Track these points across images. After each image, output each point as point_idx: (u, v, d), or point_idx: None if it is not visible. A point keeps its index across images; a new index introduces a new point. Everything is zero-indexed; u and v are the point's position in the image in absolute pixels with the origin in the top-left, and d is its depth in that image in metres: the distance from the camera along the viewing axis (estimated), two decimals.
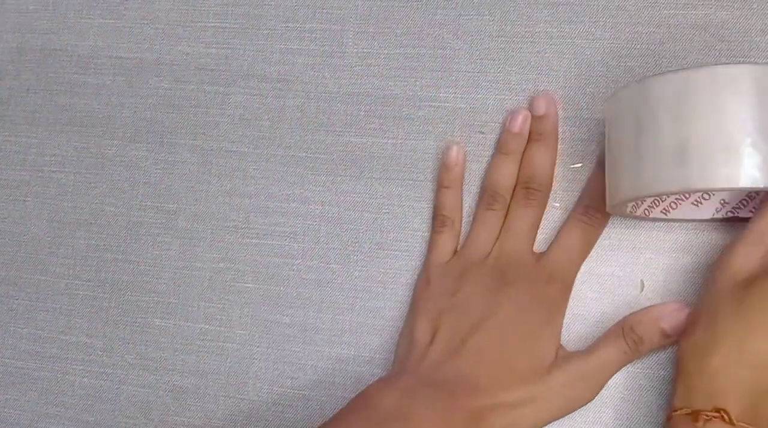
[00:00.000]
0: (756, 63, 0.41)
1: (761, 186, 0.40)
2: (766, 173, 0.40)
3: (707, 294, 0.44)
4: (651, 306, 0.49)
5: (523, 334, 0.49)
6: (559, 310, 0.51)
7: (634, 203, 0.50)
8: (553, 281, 0.51)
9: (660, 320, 0.47)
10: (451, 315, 0.51)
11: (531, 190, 0.53)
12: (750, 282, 0.42)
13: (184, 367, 0.59)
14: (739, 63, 0.42)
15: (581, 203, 0.52)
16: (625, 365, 0.49)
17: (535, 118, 0.54)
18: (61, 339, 0.61)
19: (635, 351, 0.48)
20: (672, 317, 0.47)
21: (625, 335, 0.48)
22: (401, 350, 0.53)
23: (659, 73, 0.43)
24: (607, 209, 0.48)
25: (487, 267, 0.52)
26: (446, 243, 0.54)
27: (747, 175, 0.40)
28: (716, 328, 0.42)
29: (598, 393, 0.49)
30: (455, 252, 0.54)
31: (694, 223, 0.53)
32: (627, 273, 0.53)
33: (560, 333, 0.50)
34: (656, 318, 0.48)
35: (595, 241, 0.52)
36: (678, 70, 0.43)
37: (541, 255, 0.52)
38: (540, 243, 0.55)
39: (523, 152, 0.54)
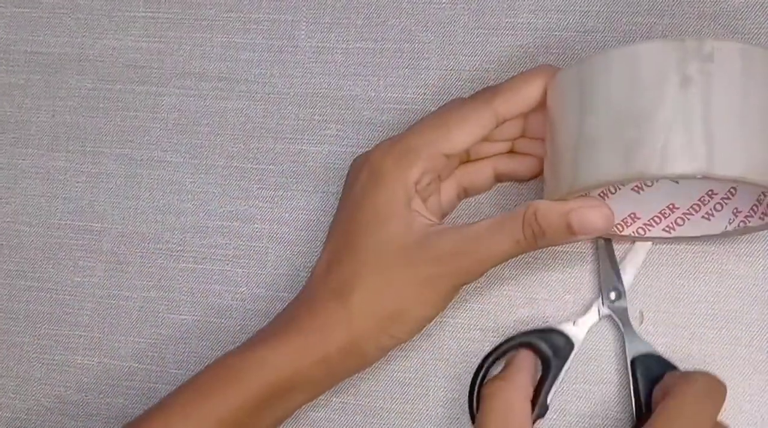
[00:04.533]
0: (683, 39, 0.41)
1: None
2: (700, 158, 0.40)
3: None
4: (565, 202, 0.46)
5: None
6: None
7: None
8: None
9: (570, 212, 0.44)
10: None
11: None
12: None
13: (109, 412, 0.57)
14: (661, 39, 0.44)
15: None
16: (514, 256, 0.47)
17: None
18: None
19: (530, 243, 0.46)
20: (583, 213, 0.44)
21: (526, 223, 0.45)
22: None
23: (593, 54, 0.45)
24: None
25: None
26: None
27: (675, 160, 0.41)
28: None
29: (472, 280, 0.49)
30: None
31: (699, 247, 0.53)
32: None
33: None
34: (566, 210, 0.44)
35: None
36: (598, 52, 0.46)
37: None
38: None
39: None
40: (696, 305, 0.52)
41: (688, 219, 0.50)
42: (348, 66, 0.58)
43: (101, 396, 0.57)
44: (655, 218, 0.51)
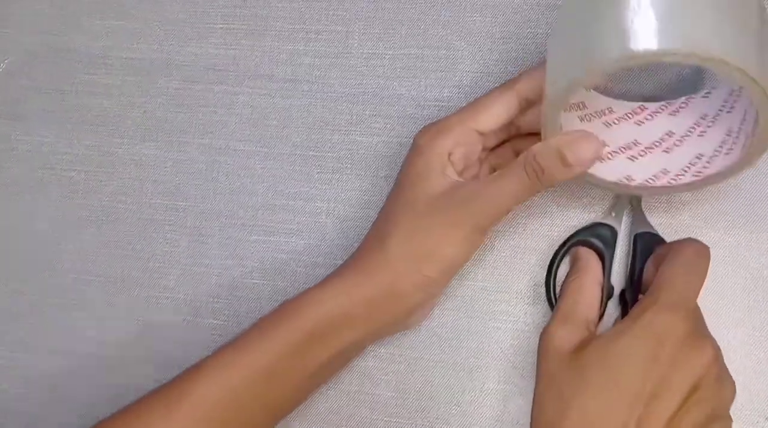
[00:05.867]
0: None
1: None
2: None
3: (545, 376, 0.47)
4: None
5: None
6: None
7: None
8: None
9: (563, 146, 0.45)
10: None
11: None
12: (579, 351, 0.45)
13: (191, 363, 0.55)
14: None
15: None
16: (525, 197, 0.48)
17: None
18: None
19: (534, 182, 0.47)
20: (574, 144, 0.45)
21: (527, 164, 0.46)
22: None
23: None
24: (545, 108, 0.46)
25: None
26: None
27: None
28: (563, 397, 0.44)
29: (493, 224, 0.50)
30: None
31: (691, 221, 0.54)
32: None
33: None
34: (557, 146, 0.45)
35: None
36: None
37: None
38: None
39: None
40: None
41: (680, 178, 0.50)
42: (394, 69, 0.60)
43: (185, 349, 0.57)
44: (649, 180, 0.50)
